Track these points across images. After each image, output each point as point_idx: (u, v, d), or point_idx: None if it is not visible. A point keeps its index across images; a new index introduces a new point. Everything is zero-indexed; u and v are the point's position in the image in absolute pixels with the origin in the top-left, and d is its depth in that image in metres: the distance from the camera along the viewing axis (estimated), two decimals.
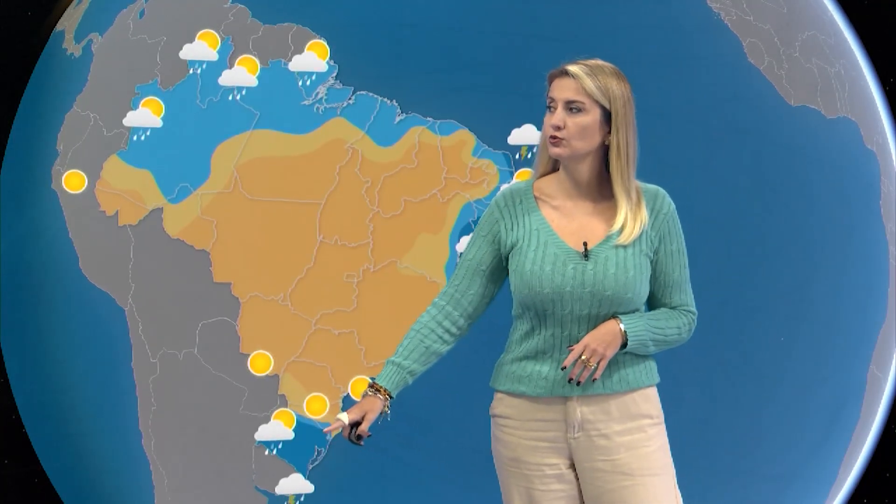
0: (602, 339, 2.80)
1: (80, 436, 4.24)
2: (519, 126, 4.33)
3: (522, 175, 4.33)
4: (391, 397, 2.85)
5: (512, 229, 2.91)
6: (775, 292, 4.52)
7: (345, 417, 2.78)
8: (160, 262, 4.23)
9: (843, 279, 4.59)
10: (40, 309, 4.22)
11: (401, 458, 4.33)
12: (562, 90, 2.83)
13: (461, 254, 2.99)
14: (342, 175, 4.29)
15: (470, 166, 4.32)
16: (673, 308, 2.93)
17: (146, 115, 4.21)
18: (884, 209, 4.63)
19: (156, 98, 4.21)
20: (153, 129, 4.22)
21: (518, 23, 4.36)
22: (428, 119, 4.31)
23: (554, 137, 2.82)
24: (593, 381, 2.82)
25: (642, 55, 4.38)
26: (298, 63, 4.26)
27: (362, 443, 2.81)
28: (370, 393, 2.84)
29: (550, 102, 2.85)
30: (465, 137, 4.33)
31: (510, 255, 2.90)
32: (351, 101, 4.29)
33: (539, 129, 4.29)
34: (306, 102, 4.27)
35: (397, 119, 4.30)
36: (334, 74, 4.28)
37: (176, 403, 4.24)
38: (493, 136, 4.33)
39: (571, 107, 2.82)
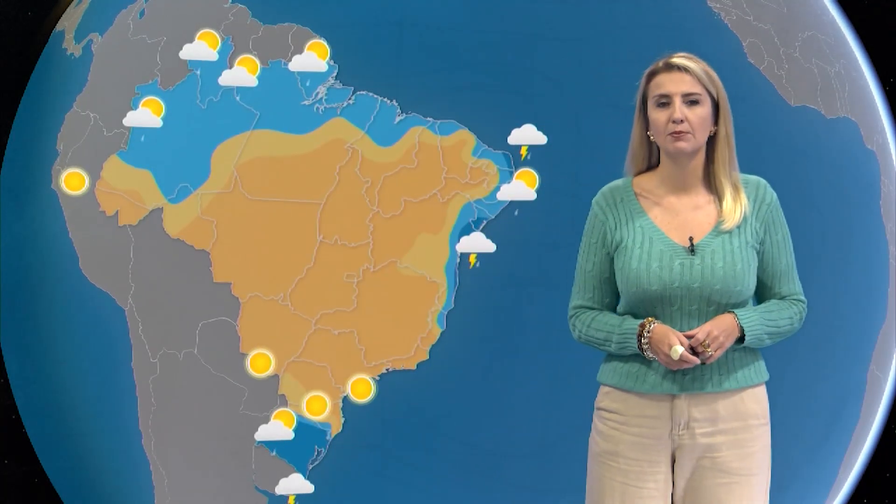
0: (721, 328, 2.80)
1: (80, 436, 4.24)
2: (519, 126, 4.33)
3: (523, 175, 4.33)
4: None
5: (616, 228, 2.91)
6: None
7: (680, 348, 2.77)
8: (160, 262, 4.23)
9: (843, 279, 4.59)
10: (40, 309, 4.22)
11: (401, 458, 4.33)
12: (678, 84, 2.84)
13: (578, 264, 3.00)
14: (342, 175, 4.29)
15: (470, 166, 4.32)
16: (782, 298, 2.94)
17: (146, 115, 4.21)
18: (884, 209, 4.64)
19: (156, 98, 4.21)
20: (153, 129, 4.22)
21: (518, 23, 4.36)
22: (428, 119, 4.31)
23: (679, 132, 2.83)
24: (704, 363, 2.80)
25: (642, 55, 4.36)
26: (298, 63, 4.26)
27: (709, 350, 2.80)
28: (648, 327, 2.82)
29: (662, 98, 2.86)
30: (465, 137, 4.32)
31: (615, 254, 2.90)
32: (351, 101, 4.29)
33: (539, 128, 4.32)
34: (306, 102, 4.27)
35: (397, 119, 4.30)
36: (334, 74, 4.28)
37: (176, 403, 4.24)
38: (493, 136, 4.33)
39: (689, 99, 2.83)
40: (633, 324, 2.87)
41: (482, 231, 4.31)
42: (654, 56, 4.41)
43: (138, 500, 4.26)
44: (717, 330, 2.80)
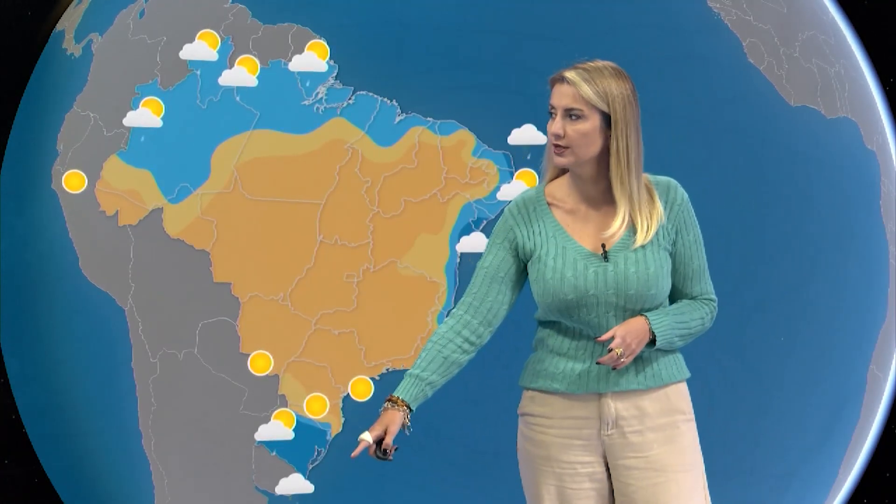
0: (634, 333, 2.79)
1: (80, 436, 4.24)
2: (519, 126, 4.33)
3: (523, 175, 4.33)
4: (411, 410, 2.83)
5: (529, 238, 2.88)
6: (775, 292, 4.52)
7: (368, 437, 2.74)
8: (160, 262, 4.23)
9: (843, 279, 4.59)
10: (40, 309, 4.22)
11: (401, 459, 4.32)
12: (560, 97, 2.80)
13: (478, 263, 2.98)
14: (342, 175, 4.29)
15: (470, 166, 4.32)
16: (693, 298, 2.93)
17: (146, 115, 4.20)
18: (884, 209, 4.63)
19: (156, 98, 4.21)
20: (153, 129, 4.22)
21: (518, 23, 4.36)
22: (428, 119, 4.31)
23: (556, 146, 2.81)
24: (614, 369, 2.80)
25: (642, 55, 4.38)
26: (298, 63, 4.26)
27: (391, 457, 2.77)
28: (388, 406, 2.82)
29: (551, 109, 2.83)
30: (465, 137, 4.33)
31: (529, 264, 2.88)
32: (351, 101, 4.29)
33: (539, 129, 4.32)
34: (306, 102, 4.27)
35: (397, 119, 4.30)
36: (334, 74, 4.28)
37: (176, 403, 4.24)
38: (493, 136, 4.33)
39: (571, 114, 2.80)
40: (402, 385, 2.86)
41: (482, 231, 4.32)
42: (655, 56, 4.43)
43: (138, 500, 4.26)
44: (630, 336, 2.77)
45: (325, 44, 4.27)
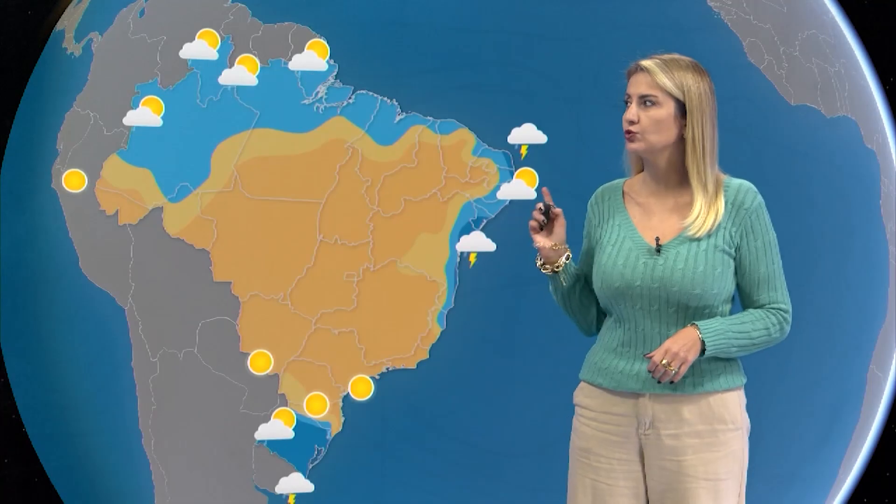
0: (681, 343, 2.79)
1: (80, 436, 4.24)
2: (519, 125, 4.34)
3: (523, 174, 4.33)
4: (566, 261, 2.93)
5: (599, 224, 2.97)
6: None
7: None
8: (160, 261, 4.23)
9: (843, 279, 4.59)
10: (40, 309, 4.22)
11: (401, 458, 4.33)
12: (636, 85, 2.86)
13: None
14: (342, 174, 4.29)
15: (470, 165, 4.32)
16: (761, 306, 2.92)
17: (146, 113, 4.21)
18: (884, 209, 4.64)
19: (156, 97, 4.21)
20: (153, 128, 4.22)
21: (518, 22, 4.37)
22: (428, 118, 4.31)
23: (629, 132, 2.85)
24: (671, 382, 2.81)
25: (642, 55, 4.37)
26: (298, 62, 4.26)
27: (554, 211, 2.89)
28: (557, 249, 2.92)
29: (626, 99, 2.88)
30: (465, 136, 4.33)
31: (595, 250, 2.95)
32: (351, 101, 4.29)
33: (539, 128, 4.33)
34: (306, 101, 4.28)
35: (397, 118, 4.30)
36: (334, 73, 4.29)
37: (176, 403, 4.24)
38: (493, 136, 4.33)
39: (645, 101, 2.84)
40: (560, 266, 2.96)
41: (482, 230, 4.32)
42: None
43: (138, 500, 4.26)
44: (677, 346, 2.78)
45: (325, 43, 4.28)
